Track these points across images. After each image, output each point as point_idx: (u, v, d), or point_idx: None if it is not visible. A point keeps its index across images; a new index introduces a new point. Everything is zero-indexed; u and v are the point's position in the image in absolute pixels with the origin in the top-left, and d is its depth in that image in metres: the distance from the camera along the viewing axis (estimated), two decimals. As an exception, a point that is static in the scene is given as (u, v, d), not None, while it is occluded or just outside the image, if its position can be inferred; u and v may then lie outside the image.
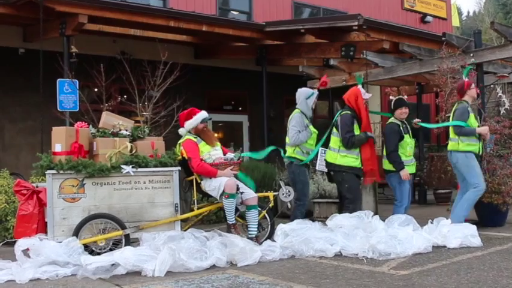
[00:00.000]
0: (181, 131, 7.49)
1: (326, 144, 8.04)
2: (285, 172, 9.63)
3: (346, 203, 7.88)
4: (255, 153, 8.60)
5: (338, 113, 8.07)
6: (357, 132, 7.83)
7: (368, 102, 8.22)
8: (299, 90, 8.19)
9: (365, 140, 7.85)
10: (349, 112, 7.89)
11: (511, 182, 8.34)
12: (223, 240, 6.56)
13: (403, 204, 8.03)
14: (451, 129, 8.02)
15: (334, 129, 7.95)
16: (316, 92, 8.11)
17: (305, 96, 8.01)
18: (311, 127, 7.97)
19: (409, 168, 8.07)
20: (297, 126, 7.83)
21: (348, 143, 7.73)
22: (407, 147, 8.04)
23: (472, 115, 7.95)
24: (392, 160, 7.96)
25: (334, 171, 7.99)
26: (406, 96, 8.44)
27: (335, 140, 7.90)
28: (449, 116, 8.48)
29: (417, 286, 5.19)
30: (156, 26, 11.28)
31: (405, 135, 8.02)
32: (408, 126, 8.19)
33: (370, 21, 11.01)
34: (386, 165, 8.08)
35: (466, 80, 8.10)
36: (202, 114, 7.44)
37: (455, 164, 7.97)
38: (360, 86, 8.13)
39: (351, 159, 7.80)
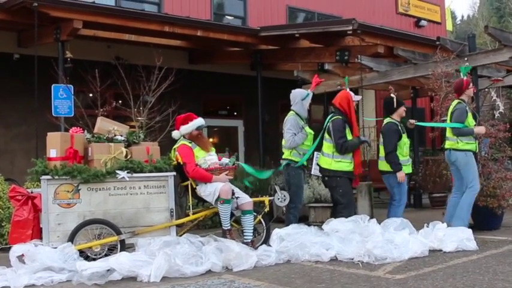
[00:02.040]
0: (174, 133, 7.48)
1: (319, 148, 8.04)
2: (280, 177, 9.62)
3: (340, 209, 7.84)
4: (258, 172, 8.41)
5: (329, 118, 8.04)
6: (349, 136, 7.83)
7: (357, 105, 8.22)
8: (293, 91, 8.18)
9: (358, 145, 7.86)
10: (340, 117, 7.87)
11: (506, 185, 8.38)
12: (218, 245, 6.55)
13: (401, 204, 8.02)
14: (448, 129, 8.04)
15: (326, 135, 7.93)
16: (311, 93, 8.10)
17: (301, 97, 8.00)
18: (307, 128, 7.94)
19: (406, 168, 8.07)
20: (292, 128, 7.83)
21: (342, 148, 7.73)
22: (404, 147, 8.04)
23: (470, 114, 7.98)
24: (391, 161, 7.94)
25: (328, 177, 7.97)
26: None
27: (328, 146, 7.89)
28: (444, 120, 8.50)
29: (413, 290, 5.20)
30: (151, 31, 11.28)
31: (403, 135, 8.04)
32: (403, 127, 8.20)
33: (364, 25, 11.03)
34: (383, 166, 8.08)
35: (465, 78, 8.10)
36: (199, 121, 7.43)
37: (454, 162, 7.98)
38: (348, 89, 8.12)
39: (345, 164, 7.80)
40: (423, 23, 20.54)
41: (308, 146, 7.96)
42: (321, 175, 8.15)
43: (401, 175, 7.89)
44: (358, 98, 8.14)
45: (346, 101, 7.94)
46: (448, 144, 8.06)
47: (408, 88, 13.80)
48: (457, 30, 46.11)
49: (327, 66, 11.99)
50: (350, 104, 7.91)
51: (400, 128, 8.05)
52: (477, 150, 8.07)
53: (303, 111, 8.01)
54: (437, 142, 14.56)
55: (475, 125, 8.03)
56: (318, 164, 8.01)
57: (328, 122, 7.97)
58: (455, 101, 8.04)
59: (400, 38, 11.92)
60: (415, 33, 15.62)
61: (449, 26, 22.51)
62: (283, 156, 8.00)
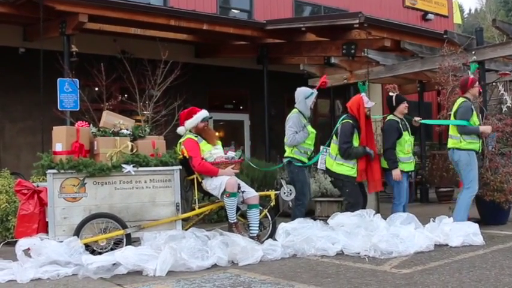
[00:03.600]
0: (179, 129, 7.48)
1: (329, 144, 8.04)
2: (286, 171, 9.60)
3: (348, 207, 7.84)
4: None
5: (340, 120, 8.03)
6: (356, 142, 7.79)
7: (371, 111, 8.10)
8: (298, 89, 8.15)
9: (362, 154, 7.80)
10: (350, 121, 7.84)
11: (513, 180, 8.33)
12: (224, 240, 6.55)
13: (401, 203, 8.02)
14: (452, 127, 8.00)
15: (335, 137, 7.94)
16: (315, 91, 8.07)
17: (304, 96, 7.98)
18: (309, 127, 7.92)
19: (408, 166, 8.05)
20: (294, 126, 7.81)
21: (345, 153, 7.71)
22: (406, 144, 8.00)
23: (474, 113, 7.94)
24: (388, 157, 7.94)
25: (333, 177, 7.98)
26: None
27: (334, 147, 7.90)
28: (450, 114, 8.45)
29: (419, 285, 5.17)
30: (157, 24, 11.26)
31: (404, 132, 7.99)
32: (407, 123, 8.16)
33: (371, 19, 10.98)
34: (385, 164, 8.05)
35: (471, 76, 8.06)
36: (203, 113, 7.43)
37: (457, 161, 7.96)
38: (363, 94, 8.05)
39: (346, 167, 7.77)
40: (430, 16, 20.44)
41: (309, 145, 7.96)
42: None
43: (396, 173, 7.85)
44: (371, 104, 8.00)
45: (357, 105, 7.89)
46: (450, 143, 8.01)
47: (415, 82, 13.74)
48: (464, 24, 45.85)
49: (333, 60, 11.93)
50: (360, 109, 7.84)
51: (401, 125, 8.01)
52: (480, 150, 8.01)
53: (306, 109, 7.97)
54: (444, 136, 14.49)
55: (479, 124, 8.00)
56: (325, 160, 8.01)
57: (338, 123, 7.97)
58: (461, 99, 8.00)
59: (407, 31, 11.85)
60: (422, 27, 15.53)
61: (457, 19, 22.38)
62: (285, 154, 8.00)
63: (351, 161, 7.78)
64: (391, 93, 8.26)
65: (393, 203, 8.11)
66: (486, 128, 7.93)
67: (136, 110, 10.01)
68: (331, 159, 7.89)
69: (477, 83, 8.15)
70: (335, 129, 8.01)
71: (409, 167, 8.11)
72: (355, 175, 7.82)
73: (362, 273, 5.75)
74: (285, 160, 8.04)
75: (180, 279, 5.68)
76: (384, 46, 11.40)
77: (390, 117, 8.18)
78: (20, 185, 6.83)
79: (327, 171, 7.96)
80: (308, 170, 8.21)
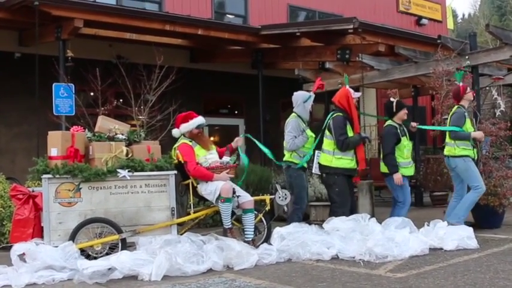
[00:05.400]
0: (174, 132, 7.50)
1: (319, 147, 8.03)
2: (281, 175, 9.61)
3: (335, 207, 7.81)
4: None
5: (329, 116, 8.03)
6: (350, 133, 7.82)
7: (357, 102, 8.21)
8: (295, 93, 8.16)
9: (359, 141, 7.85)
10: (341, 114, 7.86)
11: (507, 184, 8.38)
12: (219, 244, 6.55)
13: (405, 205, 8.02)
14: (447, 133, 8.06)
15: (327, 132, 7.92)
16: (312, 94, 8.09)
17: (303, 100, 7.97)
18: (308, 131, 7.92)
19: (408, 171, 8.07)
20: (293, 131, 7.81)
21: (343, 145, 7.71)
22: (405, 149, 8.03)
23: (468, 120, 8.00)
24: (388, 163, 7.97)
25: (326, 174, 7.95)
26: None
27: (329, 143, 7.88)
28: (445, 119, 8.52)
29: (414, 289, 5.20)
30: (152, 29, 11.28)
31: (402, 138, 8.02)
32: (405, 129, 8.19)
33: (365, 24, 11.02)
34: (384, 169, 8.08)
35: (461, 84, 8.13)
36: (199, 120, 7.44)
37: (454, 169, 8.01)
38: (348, 86, 8.11)
39: (346, 161, 7.78)
40: (424, 21, 20.53)
41: (309, 149, 7.93)
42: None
43: (397, 177, 7.88)
44: (357, 94, 8.13)
45: (346, 98, 7.92)
46: (446, 151, 8.09)
47: (409, 86, 13.79)
48: (458, 28, 46.11)
49: (328, 65, 11.97)
50: (349, 101, 7.89)
51: (399, 131, 8.04)
52: (475, 157, 8.05)
53: (305, 113, 7.97)
54: (439, 141, 14.55)
55: (474, 130, 8.06)
56: (318, 163, 8.01)
57: (328, 119, 7.96)
58: (455, 107, 8.09)
59: (401, 36, 11.91)
60: (416, 32, 15.62)
61: (450, 25, 22.50)
62: (284, 159, 7.98)
63: (349, 154, 7.79)
64: (392, 99, 8.30)
65: (397, 206, 8.06)
66: (477, 134, 8.00)
67: (132, 114, 10.02)
68: (328, 155, 7.81)
69: (468, 88, 8.21)
70: (326, 125, 7.95)
71: (409, 171, 8.13)
72: (355, 166, 7.84)
73: (357, 277, 5.77)
74: (283, 164, 8.03)
75: (176, 284, 5.69)
76: (378, 51, 11.45)
77: (388, 122, 8.21)
78: (15, 189, 6.82)
79: (323, 169, 7.89)
80: (305, 174, 8.19)
